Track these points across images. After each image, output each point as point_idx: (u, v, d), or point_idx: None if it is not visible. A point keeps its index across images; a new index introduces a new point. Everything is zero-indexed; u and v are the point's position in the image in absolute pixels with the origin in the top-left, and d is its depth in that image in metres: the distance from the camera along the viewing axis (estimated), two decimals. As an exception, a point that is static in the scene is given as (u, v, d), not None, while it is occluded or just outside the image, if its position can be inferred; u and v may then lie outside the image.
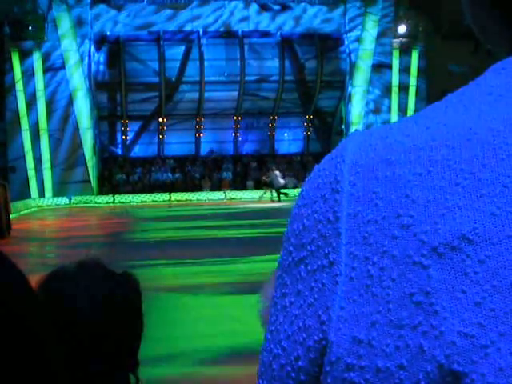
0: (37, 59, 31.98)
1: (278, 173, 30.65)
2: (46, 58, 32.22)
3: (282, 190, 30.50)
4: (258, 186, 34.84)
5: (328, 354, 0.50)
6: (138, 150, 36.56)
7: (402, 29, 34.33)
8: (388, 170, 0.51)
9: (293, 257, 0.56)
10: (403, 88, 34.93)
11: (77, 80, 32.60)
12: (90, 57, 33.27)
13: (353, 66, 35.25)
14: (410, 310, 0.46)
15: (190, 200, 33.02)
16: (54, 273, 1.38)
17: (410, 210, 0.48)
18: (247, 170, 36.55)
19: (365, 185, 0.51)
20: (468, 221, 0.46)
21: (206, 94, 34.91)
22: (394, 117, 34.65)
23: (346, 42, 35.41)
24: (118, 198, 33.04)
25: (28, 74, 31.90)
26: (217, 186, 35.27)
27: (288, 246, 0.57)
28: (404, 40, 34.61)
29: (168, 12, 34.32)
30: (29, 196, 31.11)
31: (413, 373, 0.45)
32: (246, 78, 35.01)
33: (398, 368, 0.46)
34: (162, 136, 36.25)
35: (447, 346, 0.44)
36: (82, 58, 32.87)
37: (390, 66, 35.22)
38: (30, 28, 30.93)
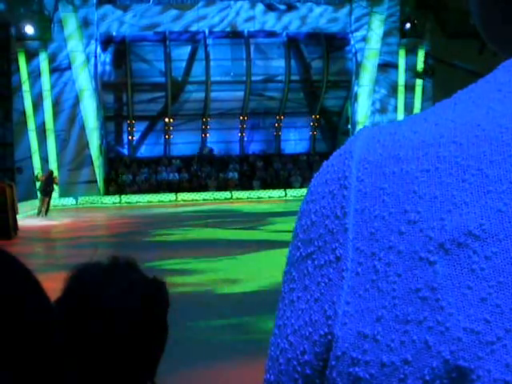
0: (43, 60, 32.06)
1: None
2: (52, 59, 32.30)
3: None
4: (265, 185, 34.88)
5: (334, 348, 0.51)
6: (144, 151, 36.60)
7: (407, 28, 34.25)
8: (396, 167, 0.51)
9: (301, 252, 0.56)
10: (409, 87, 34.87)
11: (83, 80, 32.66)
12: (96, 57, 33.33)
13: (359, 65, 35.21)
14: (415, 306, 0.46)
15: (197, 200, 33.05)
16: (84, 270, 1.34)
17: (416, 205, 0.48)
18: (253, 170, 36.56)
19: (372, 181, 0.52)
20: (475, 217, 0.46)
21: (212, 94, 34.93)
22: (401, 116, 34.57)
23: (352, 42, 35.37)
24: (125, 198, 33.10)
25: (34, 75, 31.97)
26: (223, 186, 35.27)
27: (296, 241, 0.57)
28: (410, 39, 34.53)
29: (174, 12, 34.34)
30: (35, 196, 31.17)
31: (418, 368, 0.45)
32: (252, 78, 35.01)
33: (402, 363, 0.46)
34: (169, 136, 36.29)
35: (453, 341, 0.44)
36: (88, 59, 32.94)
37: (396, 66, 35.16)
38: (36, 29, 30.98)
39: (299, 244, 0.57)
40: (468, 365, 0.43)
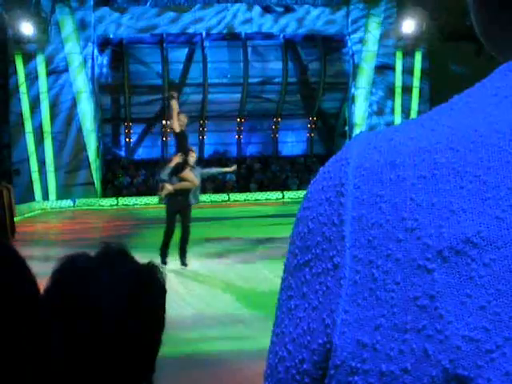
0: (40, 62, 32.02)
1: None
2: (49, 61, 32.25)
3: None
4: (262, 187, 34.84)
5: (332, 357, 0.50)
6: (141, 153, 36.59)
7: (405, 30, 34.28)
8: (392, 173, 0.50)
9: (298, 259, 0.56)
10: (406, 89, 34.90)
11: (80, 83, 32.64)
12: (93, 59, 33.30)
13: (356, 67, 35.22)
14: (414, 314, 0.46)
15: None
16: (70, 263, 1.25)
17: (414, 213, 0.47)
18: (251, 172, 36.56)
19: (369, 188, 0.51)
20: (473, 224, 0.45)
21: (210, 96, 34.94)
22: (398, 118, 34.61)
23: (349, 44, 35.38)
24: (122, 200, 33.07)
25: (31, 77, 31.94)
26: (220, 188, 35.24)
27: (293, 248, 0.57)
28: (407, 41, 34.57)
29: (171, 14, 34.34)
30: (33, 199, 31.14)
31: (417, 377, 0.45)
32: (250, 80, 35.02)
33: (402, 372, 0.45)
34: (166, 138, 36.26)
35: (452, 350, 0.43)
36: (85, 61, 32.91)
37: (393, 68, 35.19)
38: (33, 31, 30.96)
39: (296, 251, 0.56)
40: (467, 373, 0.43)
